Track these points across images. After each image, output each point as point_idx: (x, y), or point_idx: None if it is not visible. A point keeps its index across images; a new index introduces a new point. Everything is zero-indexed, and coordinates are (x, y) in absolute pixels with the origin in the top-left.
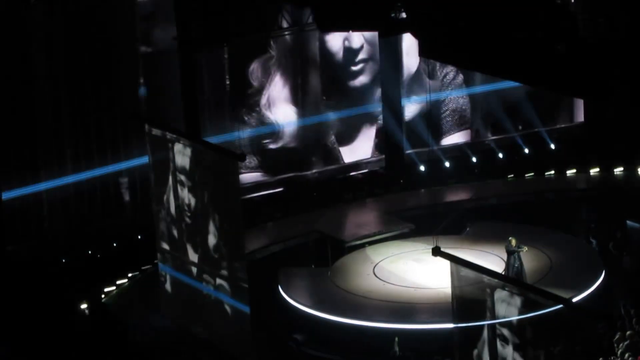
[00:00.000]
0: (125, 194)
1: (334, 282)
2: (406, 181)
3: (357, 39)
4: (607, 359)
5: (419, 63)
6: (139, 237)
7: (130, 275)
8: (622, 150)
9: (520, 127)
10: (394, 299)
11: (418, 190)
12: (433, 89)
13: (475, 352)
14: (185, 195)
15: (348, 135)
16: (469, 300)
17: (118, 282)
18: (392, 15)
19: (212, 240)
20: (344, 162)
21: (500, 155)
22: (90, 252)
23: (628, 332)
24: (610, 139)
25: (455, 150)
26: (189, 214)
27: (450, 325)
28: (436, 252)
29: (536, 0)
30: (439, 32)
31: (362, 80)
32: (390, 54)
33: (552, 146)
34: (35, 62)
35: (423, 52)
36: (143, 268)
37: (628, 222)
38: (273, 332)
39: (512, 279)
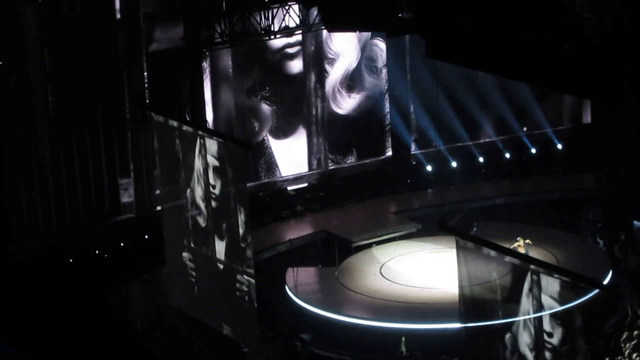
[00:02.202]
0: (131, 192)
1: (340, 281)
2: (413, 181)
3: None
4: (614, 359)
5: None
6: (146, 236)
7: (137, 275)
8: (629, 150)
9: (525, 129)
10: (400, 299)
11: (425, 190)
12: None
13: (509, 335)
14: (208, 184)
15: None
16: (477, 299)
17: (125, 283)
18: (400, 15)
19: (225, 230)
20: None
21: (507, 155)
22: (97, 252)
23: (635, 332)
24: (617, 139)
25: (462, 150)
26: (213, 204)
27: (458, 325)
28: (442, 226)
29: (542, 0)
30: (445, 33)
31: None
32: (397, 54)
33: (559, 146)
34: (42, 61)
35: (429, 53)
36: (150, 268)
37: (635, 222)
38: (280, 331)
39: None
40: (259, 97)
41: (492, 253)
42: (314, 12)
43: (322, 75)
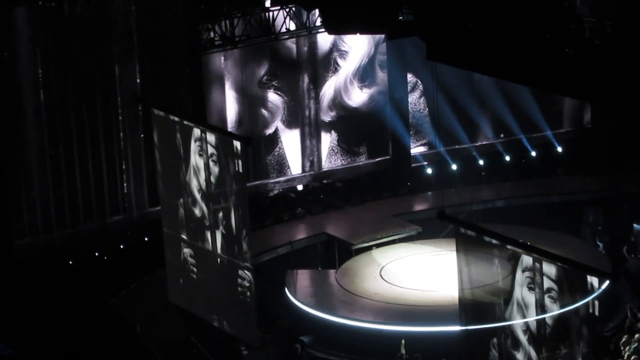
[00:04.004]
0: (131, 192)
1: (340, 284)
2: (413, 183)
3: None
4: None
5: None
6: (146, 238)
7: (137, 277)
8: (630, 153)
9: (502, 135)
10: (400, 302)
11: (425, 193)
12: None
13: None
14: (208, 180)
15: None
16: (477, 302)
17: (125, 285)
18: (400, 17)
19: (225, 225)
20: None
21: (508, 158)
22: (97, 254)
23: (636, 335)
24: (617, 142)
25: (462, 152)
26: (213, 199)
27: (458, 328)
28: (441, 215)
29: (543, 3)
30: (446, 35)
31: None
32: (396, 55)
33: (559, 149)
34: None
35: (430, 55)
36: (150, 270)
37: (635, 225)
38: (279, 333)
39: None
40: (271, 88)
41: (494, 241)
42: (315, 14)
43: (315, 77)
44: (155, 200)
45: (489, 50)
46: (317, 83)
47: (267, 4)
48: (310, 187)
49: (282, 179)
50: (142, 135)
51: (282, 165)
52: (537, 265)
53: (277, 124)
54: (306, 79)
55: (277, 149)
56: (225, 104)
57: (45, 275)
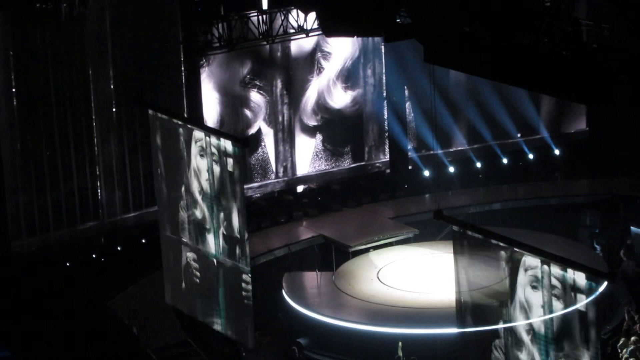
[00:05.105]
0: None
1: (338, 286)
2: (410, 186)
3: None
4: None
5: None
6: (143, 240)
7: (134, 279)
8: (627, 156)
9: (519, 135)
10: (397, 304)
11: (422, 196)
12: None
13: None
14: (209, 182)
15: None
16: (474, 304)
17: (123, 287)
18: (398, 20)
19: (226, 228)
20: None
21: (505, 160)
22: (94, 255)
23: (632, 338)
24: (614, 145)
25: (459, 155)
26: (212, 201)
27: (455, 330)
28: (438, 215)
29: (540, 6)
30: (443, 38)
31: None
32: (394, 59)
33: (557, 152)
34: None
35: (428, 58)
36: (148, 272)
37: (632, 228)
38: (277, 336)
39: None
40: (254, 88)
41: (494, 243)
42: (312, 16)
43: (289, 82)
44: (153, 201)
45: (487, 53)
46: (290, 88)
47: (264, 6)
48: (307, 190)
49: (255, 184)
50: (140, 136)
51: (265, 170)
52: (545, 266)
53: (260, 123)
54: (279, 85)
55: (261, 152)
56: (202, 106)
57: (42, 278)
